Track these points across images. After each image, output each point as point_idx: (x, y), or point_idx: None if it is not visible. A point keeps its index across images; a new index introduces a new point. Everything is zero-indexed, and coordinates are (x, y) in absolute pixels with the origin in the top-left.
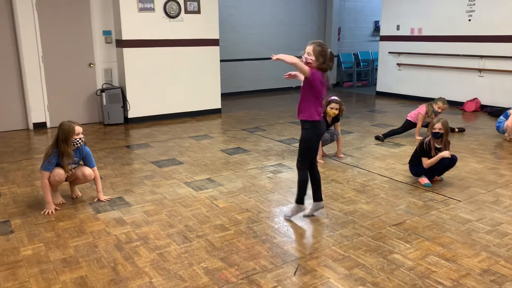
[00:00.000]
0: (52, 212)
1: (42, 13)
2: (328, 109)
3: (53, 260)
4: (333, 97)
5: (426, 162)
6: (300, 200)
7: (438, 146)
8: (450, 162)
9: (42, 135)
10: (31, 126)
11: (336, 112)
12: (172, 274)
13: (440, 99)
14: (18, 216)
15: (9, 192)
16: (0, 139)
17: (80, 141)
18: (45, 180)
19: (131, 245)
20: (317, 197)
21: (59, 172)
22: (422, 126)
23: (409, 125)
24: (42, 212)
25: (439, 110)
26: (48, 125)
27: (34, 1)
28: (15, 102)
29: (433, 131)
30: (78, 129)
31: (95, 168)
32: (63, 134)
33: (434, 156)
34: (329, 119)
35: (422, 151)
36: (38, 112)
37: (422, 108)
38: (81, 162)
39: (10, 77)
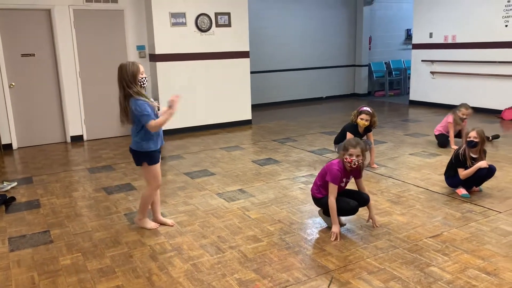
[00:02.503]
0: None
1: (79, 31)
2: (359, 119)
3: (91, 269)
4: (364, 108)
5: (463, 173)
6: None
7: (474, 156)
8: (488, 173)
9: (79, 148)
10: (68, 139)
11: (367, 123)
12: (205, 285)
13: (463, 105)
14: (57, 226)
15: (48, 203)
16: (40, 151)
17: (146, 80)
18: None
19: (165, 255)
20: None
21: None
22: (455, 136)
23: (443, 138)
24: None
25: (464, 116)
26: (85, 138)
27: (72, 19)
28: (54, 116)
29: (468, 139)
30: (142, 67)
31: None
32: (128, 75)
33: (470, 166)
34: (360, 130)
35: (458, 161)
36: (76, 126)
37: (449, 117)
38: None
39: (50, 92)
